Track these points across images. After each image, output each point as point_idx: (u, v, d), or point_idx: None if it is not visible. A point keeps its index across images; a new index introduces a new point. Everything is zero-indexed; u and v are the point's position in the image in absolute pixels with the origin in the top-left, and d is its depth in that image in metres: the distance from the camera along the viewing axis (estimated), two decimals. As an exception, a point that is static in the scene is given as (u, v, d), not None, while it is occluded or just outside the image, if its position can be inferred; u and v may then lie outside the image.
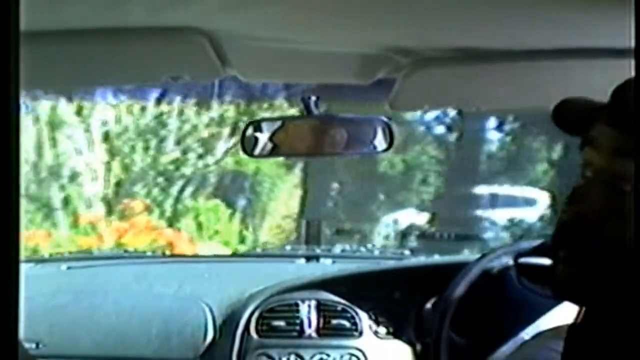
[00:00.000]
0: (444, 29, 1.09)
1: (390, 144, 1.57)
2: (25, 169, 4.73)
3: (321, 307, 1.83)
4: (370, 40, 1.17)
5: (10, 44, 0.41)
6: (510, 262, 1.63)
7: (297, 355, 1.78)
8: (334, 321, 1.82)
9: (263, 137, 1.57)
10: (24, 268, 1.96)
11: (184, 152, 5.05)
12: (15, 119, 0.41)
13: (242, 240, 4.85)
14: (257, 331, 1.80)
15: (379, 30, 1.11)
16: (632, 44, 0.63)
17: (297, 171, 5.26)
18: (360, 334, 1.81)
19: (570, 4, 0.95)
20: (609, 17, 0.94)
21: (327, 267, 2.13)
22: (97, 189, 4.93)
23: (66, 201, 4.90)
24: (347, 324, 1.82)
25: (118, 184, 4.98)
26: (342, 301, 1.83)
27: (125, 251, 2.42)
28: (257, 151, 1.61)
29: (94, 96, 4.57)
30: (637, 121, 0.63)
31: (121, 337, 1.81)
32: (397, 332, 1.82)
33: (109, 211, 4.87)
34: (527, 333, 1.49)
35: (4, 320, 0.41)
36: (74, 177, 4.95)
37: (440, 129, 5.27)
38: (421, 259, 2.28)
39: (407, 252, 2.38)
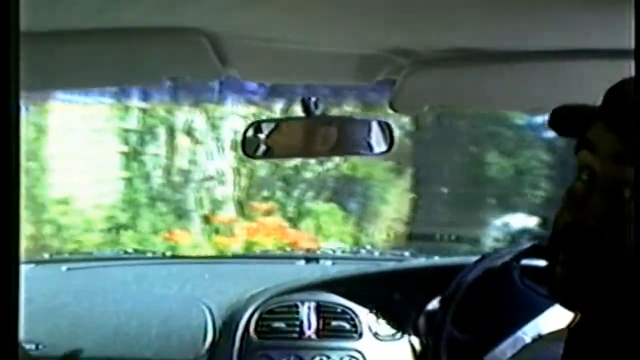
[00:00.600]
0: (444, 30, 1.09)
1: (390, 146, 1.57)
2: (158, 173, 5.26)
3: (321, 308, 1.83)
4: (370, 41, 1.17)
5: (10, 44, 0.41)
6: (513, 261, 1.64)
7: (297, 356, 1.78)
8: (334, 323, 1.82)
9: (262, 139, 1.58)
10: (24, 269, 1.96)
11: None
12: (15, 119, 0.41)
13: (356, 242, 5.10)
14: (257, 332, 1.80)
15: (379, 31, 1.10)
16: (632, 44, 0.63)
17: (407, 176, 5.44)
18: (360, 335, 1.81)
19: (570, 4, 0.95)
20: (609, 18, 0.94)
21: (326, 269, 2.13)
22: (227, 192, 5.36)
23: (199, 203, 5.31)
24: (346, 325, 1.82)
25: (246, 188, 5.41)
26: (342, 302, 1.83)
27: (125, 252, 2.42)
28: (257, 153, 1.61)
29: (224, 105, 4.97)
30: (637, 122, 0.63)
31: (121, 338, 1.81)
32: (396, 334, 1.82)
33: (239, 213, 5.29)
34: (529, 335, 1.49)
35: (4, 321, 0.41)
36: (205, 181, 5.37)
37: (550, 133, 5.30)
38: (421, 260, 2.28)
39: (406, 253, 2.38)
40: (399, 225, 5.24)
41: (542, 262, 1.56)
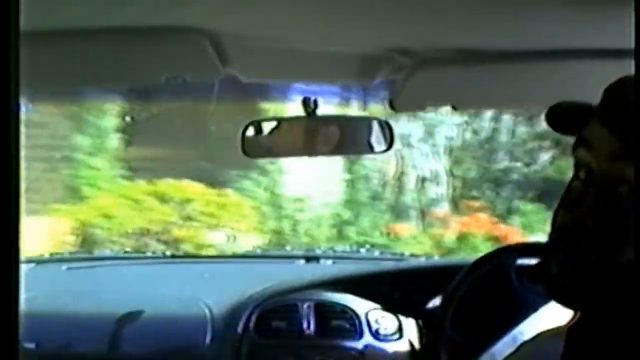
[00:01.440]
0: (444, 29, 1.09)
1: (390, 145, 1.57)
2: (376, 175, 5.92)
3: (321, 308, 1.83)
4: (371, 41, 1.17)
5: (10, 44, 0.41)
6: (511, 260, 1.64)
7: (297, 356, 1.78)
8: (334, 322, 1.82)
9: (262, 138, 1.58)
10: (24, 268, 1.96)
11: (514, 161, 6.16)
12: (15, 119, 0.41)
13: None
14: (257, 332, 1.80)
15: (380, 31, 1.11)
16: (632, 44, 0.63)
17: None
18: (360, 334, 1.81)
19: (570, 4, 0.95)
20: (609, 17, 0.94)
21: (327, 268, 2.13)
22: (441, 191, 6.00)
23: (416, 201, 5.95)
24: (346, 324, 1.81)
25: (459, 187, 6.04)
26: (342, 302, 1.83)
27: (126, 251, 2.42)
28: (258, 152, 1.61)
29: (439, 113, 5.52)
30: (637, 120, 0.63)
31: (121, 337, 1.81)
32: (396, 333, 1.82)
33: (453, 209, 5.89)
34: (526, 333, 1.50)
35: (4, 320, 0.41)
36: (421, 181, 6.01)
37: None
38: (421, 260, 2.28)
39: (406, 253, 2.38)
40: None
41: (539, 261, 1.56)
